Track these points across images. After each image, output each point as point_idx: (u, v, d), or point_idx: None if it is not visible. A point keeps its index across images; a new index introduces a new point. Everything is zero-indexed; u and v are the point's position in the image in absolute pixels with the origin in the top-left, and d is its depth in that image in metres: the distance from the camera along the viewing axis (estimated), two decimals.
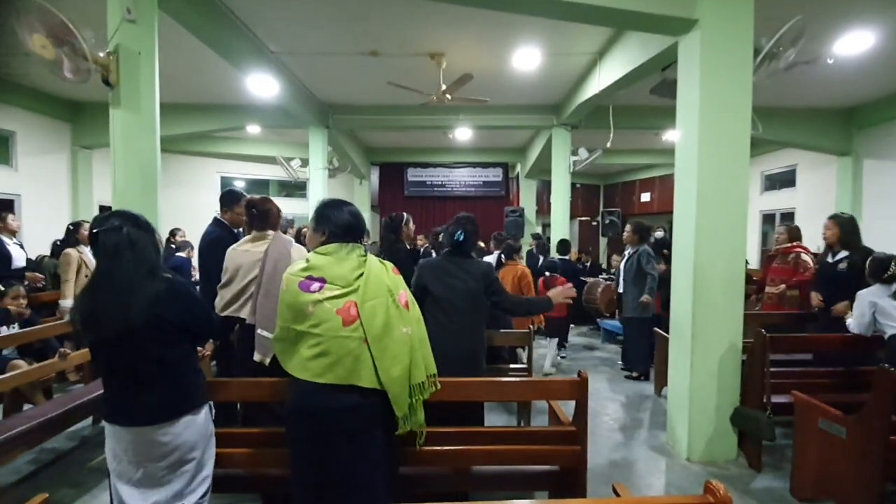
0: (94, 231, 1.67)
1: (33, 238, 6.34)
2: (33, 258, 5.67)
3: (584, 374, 2.09)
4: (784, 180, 9.03)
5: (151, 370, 1.67)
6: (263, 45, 5.17)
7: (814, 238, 8.04)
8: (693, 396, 3.19)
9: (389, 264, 1.86)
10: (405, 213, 4.05)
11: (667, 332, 3.66)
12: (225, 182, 10.81)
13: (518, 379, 2.54)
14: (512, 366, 3.59)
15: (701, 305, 3.17)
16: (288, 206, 4.49)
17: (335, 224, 1.79)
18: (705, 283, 3.16)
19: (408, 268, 2.57)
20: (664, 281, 4.78)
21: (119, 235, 1.64)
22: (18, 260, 4.84)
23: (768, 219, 9.35)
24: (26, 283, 4.67)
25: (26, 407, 3.31)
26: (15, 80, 6.23)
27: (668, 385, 3.51)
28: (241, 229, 3.36)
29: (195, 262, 4.97)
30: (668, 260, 5.05)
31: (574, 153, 7.49)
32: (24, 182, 6.74)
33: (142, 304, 1.60)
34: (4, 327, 3.81)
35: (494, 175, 11.99)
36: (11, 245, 4.81)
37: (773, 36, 3.07)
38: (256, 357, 2.45)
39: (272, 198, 2.89)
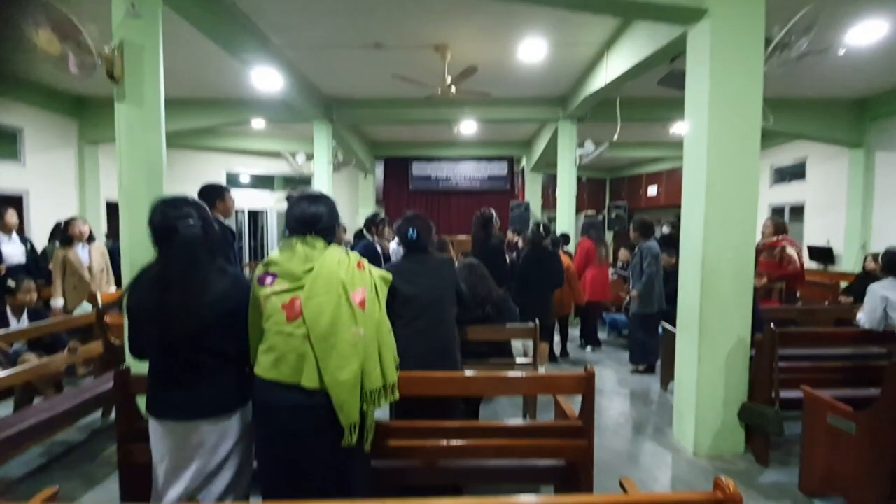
0: (171, 223, 1.63)
1: (43, 233, 6.38)
2: (39, 253, 5.68)
3: (591, 368, 2.08)
4: (794, 173, 8.91)
5: (214, 364, 1.67)
6: (267, 38, 5.15)
7: (824, 232, 8.01)
8: (700, 391, 3.17)
9: (355, 258, 1.76)
10: (492, 210, 4.02)
11: (674, 325, 3.63)
12: (230, 177, 10.84)
13: (524, 373, 2.53)
14: (518, 360, 3.58)
15: (709, 299, 3.14)
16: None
17: (289, 217, 1.76)
18: (714, 278, 3.13)
19: (501, 263, 2.52)
20: (671, 275, 4.76)
21: (195, 230, 1.64)
22: (14, 257, 4.79)
23: (778, 212, 9.25)
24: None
25: (37, 400, 3.35)
26: (21, 76, 6.25)
27: (674, 380, 3.49)
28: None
29: None
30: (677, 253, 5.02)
31: (580, 146, 7.43)
32: (32, 178, 6.78)
33: (213, 301, 1.61)
34: (15, 321, 3.85)
35: (500, 169, 11.94)
36: (7, 243, 4.77)
37: (784, 25, 3.01)
38: None
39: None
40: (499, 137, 10.76)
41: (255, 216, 11.40)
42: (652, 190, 12.22)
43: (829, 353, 3.45)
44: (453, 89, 5.58)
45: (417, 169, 11.88)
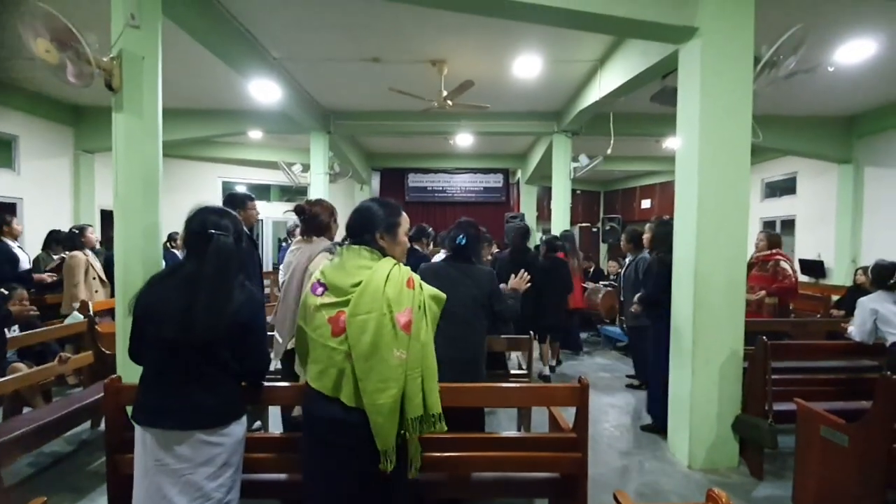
0: (208, 230, 1.63)
1: (37, 242, 6.34)
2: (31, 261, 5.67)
3: (585, 380, 2.09)
4: (785, 187, 9.04)
5: (215, 374, 1.65)
6: (266, 50, 5.20)
7: (814, 246, 8.10)
8: (694, 404, 3.18)
9: (406, 274, 1.63)
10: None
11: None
12: (226, 187, 10.84)
13: (519, 385, 2.53)
14: (513, 371, 3.58)
15: (702, 312, 3.16)
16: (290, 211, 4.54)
17: (348, 228, 1.73)
18: (706, 290, 3.16)
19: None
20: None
21: (229, 241, 1.65)
22: (24, 262, 4.88)
23: (769, 226, 9.34)
24: (32, 289, 4.69)
25: (26, 410, 3.30)
26: (18, 83, 6.26)
27: (668, 392, 3.50)
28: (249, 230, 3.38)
29: None
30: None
31: (575, 160, 7.51)
32: (26, 186, 6.75)
33: (232, 312, 1.61)
34: (6, 329, 3.81)
35: (495, 181, 12.03)
36: (16, 248, 4.85)
37: (773, 44, 3.09)
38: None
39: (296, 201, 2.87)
40: (494, 150, 10.85)
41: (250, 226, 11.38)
42: (646, 203, 12.33)
43: (821, 365, 3.47)
44: (449, 103, 5.65)
45: (414, 180, 11.94)
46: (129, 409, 1.84)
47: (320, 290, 1.62)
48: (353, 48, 5.12)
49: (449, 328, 2.33)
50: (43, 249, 5.46)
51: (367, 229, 1.67)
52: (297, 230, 2.85)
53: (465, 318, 2.38)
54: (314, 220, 2.67)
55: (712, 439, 3.17)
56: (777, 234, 4.90)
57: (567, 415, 2.34)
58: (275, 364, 2.71)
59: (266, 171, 10.95)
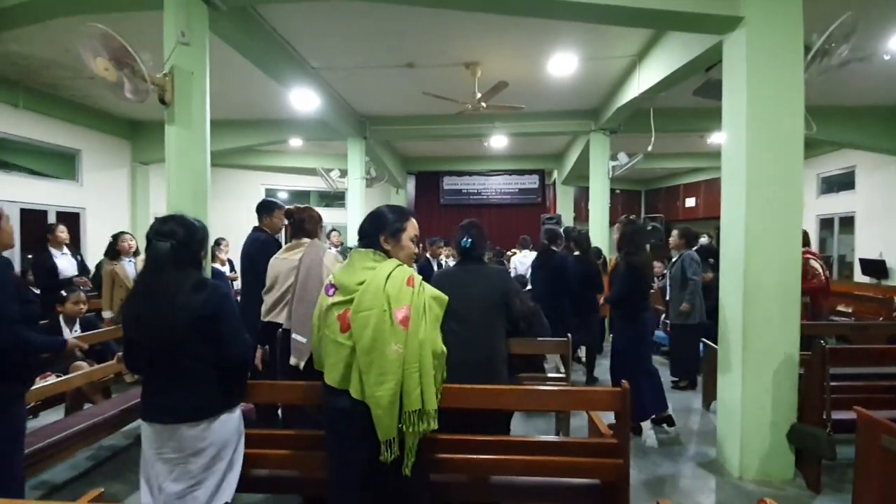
0: (148, 239, 1.76)
1: (99, 249, 6.78)
2: (92, 268, 6.01)
3: (626, 384, 2.03)
4: (842, 182, 8.47)
5: (194, 368, 1.74)
6: (305, 61, 5.37)
7: (876, 244, 7.55)
8: (745, 411, 3.03)
9: (407, 273, 1.74)
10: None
11: (714, 341, 3.49)
12: (269, 193, 11.23)
13: (556, 388, 2.49)
14: (550, 375, 3.52)
15: (753, 315, 3.01)
16: (327, 216, 4.62)
17: (359, 233, 1.86)
18: (757, 292, 3.01)
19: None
20: (710, 289, 4.58)
21: (163, 246, 1.73)
22: (67, 270, 5.02)
23: (826, 223, 8.80)
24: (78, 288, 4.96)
25: (86, 406, 3.53)
26: (80, 101, 6.74)
27: (717, 398, 3.35)
28: (278, 235, 3.51)
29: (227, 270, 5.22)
30: (713, 268, 4.84)
31: (613, 158, 7.33)
32: (88, 196, 7.25)
33: (184, 310, 1.68)
34: (68, 330, 4.08)
35: (531, 182, 11.90)
36: (59, 257, 5.01)
37: (823, 32, 2.92)
38: (292, 361, 2.53)
39: (312, 206, 2.99)
40: (529, 151, 10.74)
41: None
42: (690, 201, 11.87)
43: (883, 371, 3.23)
44: (483, 105, 5.64)
45: (448, 183, 11.98)
46: None
47: (332, 290, 1.75)
48: (388, 55, 5.21)
49: (462, 330, 2.31)
50: (104, 255, 5.80)
51: (375, 232, 1.79)
52: (333, 234, 2.95)
53: (477, 320, 2.34)
54: (300, 224, 2.79)
55: (765, 449, 3.01)
56: (805, 231, 4.59)
57: (607, 420, 2.29)
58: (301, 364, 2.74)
59: (306, 178, 11.28)
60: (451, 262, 5.01)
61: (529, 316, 2.67)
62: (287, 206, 3.04)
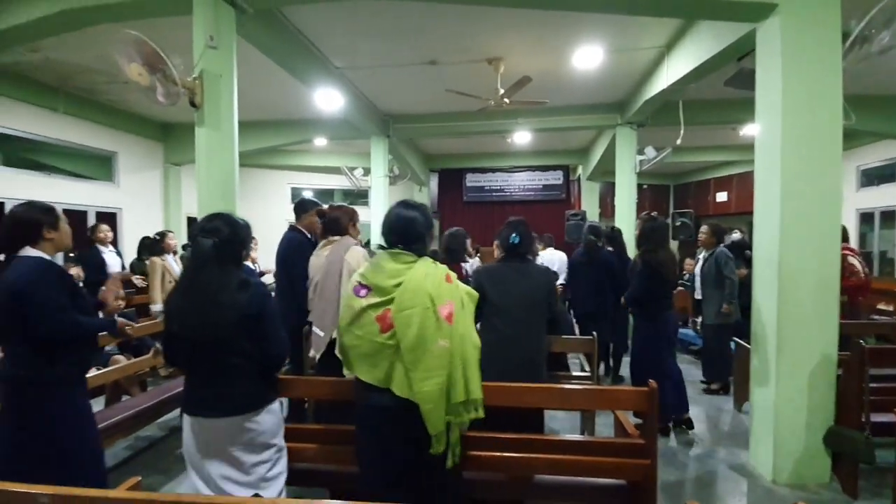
0: (192, 237, 1.82)
1: (134, 247, 7.05)
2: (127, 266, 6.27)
3: (654, 383, 1.99)
4: (884, 175, 8.06)
5: (238, 364, 1.77)
6: (329, 61, 5.43)
7: None
8: (779, 413, 2.93)
9: (444, 272, 1.78)
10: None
11: (746, 340, 3.39)
12: (295, 192, 11.44)
13: (583, 386, 2.46)
14: (575, 373, 3.48)
15: (788, 314, 2.91)
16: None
17: (384, 224, 1.85)
18: (793, 290, 2.90)
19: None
20: (743, 286, 4.44)
21: (205, 244, 1.77)
22: (113, 266, 5.33)
23: (866, 218, 8.40)
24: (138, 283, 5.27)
25: (124, 398, 3.68)
26: (116, 105, 7.00)
27: (749, 400, 3.25)
28: (312, 235, 3.57)
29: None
30: (748, 263, 4.69)
31: (640, 152, 7.16)
32: (124, 196, 7.54)
33: (228, 308, 1.71)
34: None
35: (555, 178, 11.76)
36: (107, 253, 5.31)
37: (862, 18, 2.77)
38: (311, 353, 2.59)
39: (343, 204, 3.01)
40: (553, 146, 10.61)
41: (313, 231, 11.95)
42: (721, 196, 11.50)
43: None
44: (506, 100, 5.59)
45: (471, 180, 11.95)
46: None
47: (364, 291, 1.74)
48: (410, 53, 5.22)
49: (506, 328, 2.31)
50: (137, 256, 6.04)
51: (409, 234, 1.80)
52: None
53: (521, 318, 2.34)
54: (336, 222, 2.79)
55: (800, 452, 2.91)
56: (843, 226, 4.35)
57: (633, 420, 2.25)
58: (317, 357, 2.82)
59: (330, 176, 11.43)
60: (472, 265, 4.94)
61: (555, 315, 2.65)
62: (318, 204, 3.07)
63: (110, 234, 5.46)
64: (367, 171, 8.44)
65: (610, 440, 2.19)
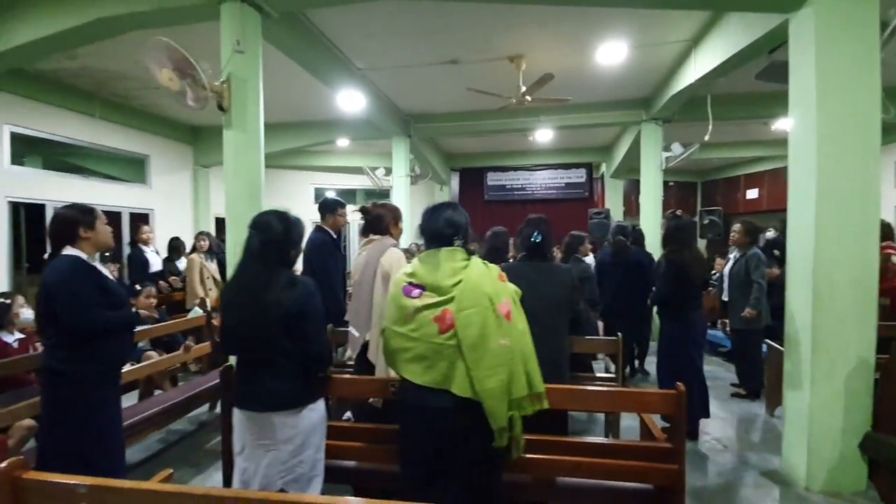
0: (248, 233, 1.85)
1: (163, 247, 7.28)
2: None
3: (682, 386, 1.94)
4: None
5: (281, 361, 1.80)
6: (351, 62, 5.49)
7: None
8: (814, 417, 2.82)
9: (496, 270, 1.79)
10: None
11: (778, 343, 3.28)
12: (318, 192, 11.60)
13: (608, 388, 2.43)
14: (599, 375, 3.43)
15: (823, 315, 2.80)
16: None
17: (424, 230, 1.83)
18: (828, 290, 2.79)
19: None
20: (776, 287, 4.29)
21: (254, 242, 1.82)
22: (155, 265, 5.69)
23: None
24: (165, 286, 5.48)
25: (156, 392, 3.81)
26: (148, 110, 7.24)
27: (782, 404, 3.14)
28: (338, 233, 3.61)
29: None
30: (781, 262, 4.52)
31: (666, 149, 7.00)
32: (156, 198, 7.79)
33: (274, 306, 1.74)
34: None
35: (577, 176, 11.60)
36: (149, 252, 5.65)
37: None
38: (347, 353, 2.61)
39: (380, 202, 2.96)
40: (576, 144, 10.48)
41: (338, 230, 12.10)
42: (752, 193, 11.14)
43: None
44: (528, 98, 5.55)
45: (492, 179, 11.90)
46: None
47: (417, 291, 1.70)
48: (431, 52, 5.23)
49: (531, 328, 2.28)
50: (167, 256, 6.26)
51: (455, 234, 1.79)
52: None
53: (544, 319, 2.30)
54: (378, 220, 2.75)
55: (835, 458, 2.79)
56: (888, 223, 4.09)
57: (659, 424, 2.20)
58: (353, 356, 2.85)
59: (352, 176, 11.56)
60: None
61: (577, 315, 2.61)
62: (363, 203, 3.06)
63: (152, 235, 5.85)
64: (388, 171, 8.49)
65: (636, 443, 2.15)
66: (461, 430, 1.65)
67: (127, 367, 3.27)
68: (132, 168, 7.67)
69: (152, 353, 4.08)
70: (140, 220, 7.21)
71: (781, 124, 7.17)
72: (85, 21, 3.59)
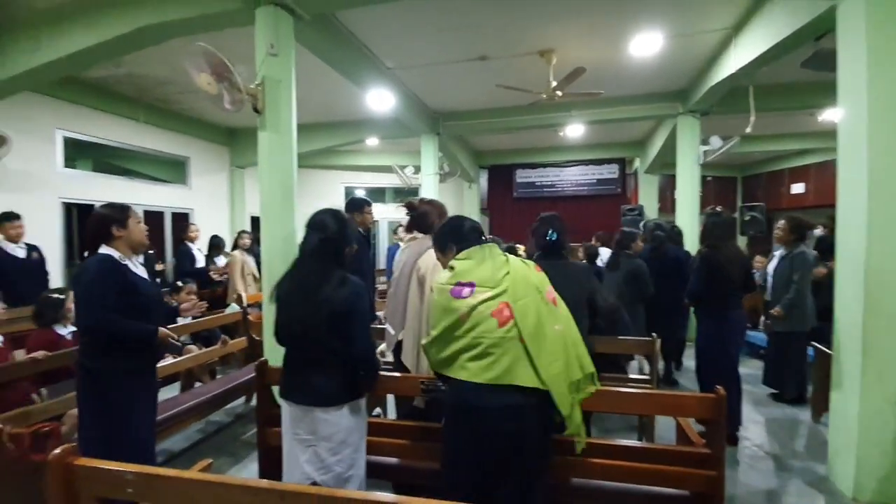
0: (306, 231, 1.92)
1: (203, 245, 7.56)
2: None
3: (721, 390, 1.87)
4: None
5: (327, 359, 1.84)
6: (380, 61, 5.54)
7: None
8: (863, 425, 2.67)
9: (531, 262, 1.86)
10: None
11: (825, 345, 3.11)
12: (348, 191, 11.79)
13: (643, 390, 2.37)
14: (632, 376, 3.35)
15: (875, 316, 2.64)
16: (402, 211, 4.73)
17: (459, 235, 1.83)
18: (881, 292, 2.63)
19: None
20: (820, 286, 4.07)
21: (311, 241, 1.87)
22: (200, 261, 6.10)
23: None
24: (215, 278, 5.93)
25: (196, 385, 3.96)
26: (187, 113, 7.53)
27: (829, 410, 2.99)
28: (366, 232, 3.66)
29: None
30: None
31: (705, 142, 6.74)
32: (195, 198, 8.10)
33: (323, 304, 1.78)
34: (179, 317, 4.59)
35: (609, 172, 11.34)
36: (195, 249, 6.04)
37: None
38: (380, 349, 2.64)
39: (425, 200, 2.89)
40: (608, 139, 10.24)
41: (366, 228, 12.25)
42: (797, 187, 10.60)
43: None
44: (559, 93, 5.46)
45: (521, 176, 11.77)
46: (275, 388, 2.12)
47: (467, 290, 1.68)
48: (460, 49, 5.21)
49: None
50: (207, 253, 6.52)
51: (481, 232, 1.88)
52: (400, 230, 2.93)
53: None
54: (423, 217, 2.69)
55: (885, 468, 2.64)
56: None
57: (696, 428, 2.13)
58: (388, 354, 2.87)
59: (381, 175, 11.68)
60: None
61: (611, 314, 2.54)
62: (409, 199, 3.03)
63: (199, 234, 6.23)
64: (417, 169, 8.54)
65: (672, 448, 2.09)
66: (525, 428, 1.63)
67: (168, 360, 3.42)
68: (174, 169, 8.01)
69: (193, 347, 4.24)
70: (181, 219, 7.52)
71: (829, 115, 6.80)
72: (131, 29, 3.75)
